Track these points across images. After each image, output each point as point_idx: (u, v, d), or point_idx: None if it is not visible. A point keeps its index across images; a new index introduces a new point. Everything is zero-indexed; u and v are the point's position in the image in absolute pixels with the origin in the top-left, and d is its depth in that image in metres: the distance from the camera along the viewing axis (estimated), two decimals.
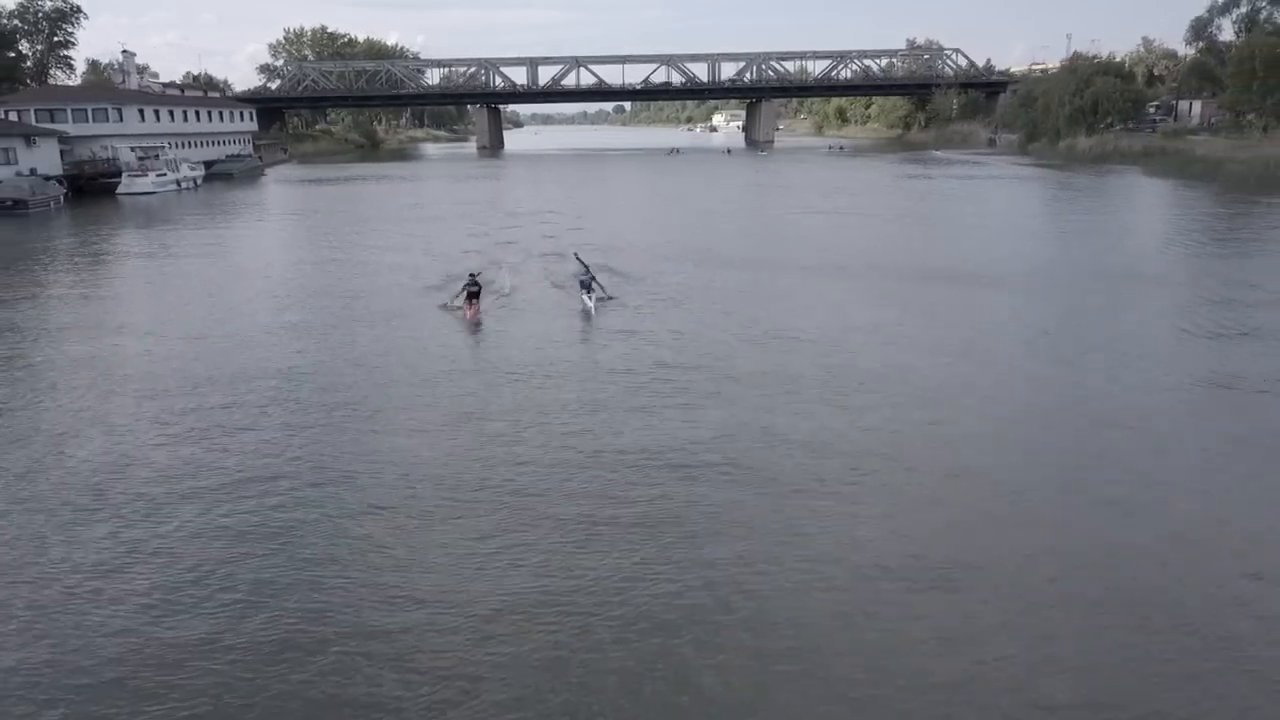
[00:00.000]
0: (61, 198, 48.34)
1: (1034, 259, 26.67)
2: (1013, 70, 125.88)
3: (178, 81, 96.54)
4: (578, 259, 23.04)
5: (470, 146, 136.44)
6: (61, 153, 54.76)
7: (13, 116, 55.47)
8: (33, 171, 49.27)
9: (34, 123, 55.72)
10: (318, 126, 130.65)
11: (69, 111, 58.78)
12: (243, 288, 24.73)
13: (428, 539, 9.41)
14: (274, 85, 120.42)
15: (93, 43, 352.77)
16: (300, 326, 19.44)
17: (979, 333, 18.01)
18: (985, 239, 32.07)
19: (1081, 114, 77.09)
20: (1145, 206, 41.39)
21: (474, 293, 19.96)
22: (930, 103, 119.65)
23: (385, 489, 10.69)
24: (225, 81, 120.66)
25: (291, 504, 10.27)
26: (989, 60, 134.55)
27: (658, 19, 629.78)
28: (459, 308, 19.86)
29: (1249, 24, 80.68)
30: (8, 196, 44.20)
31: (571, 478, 10.88)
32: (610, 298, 20.70)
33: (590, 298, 19.88)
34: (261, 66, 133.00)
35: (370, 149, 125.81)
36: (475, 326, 18.97)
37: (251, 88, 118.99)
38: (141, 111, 63.90)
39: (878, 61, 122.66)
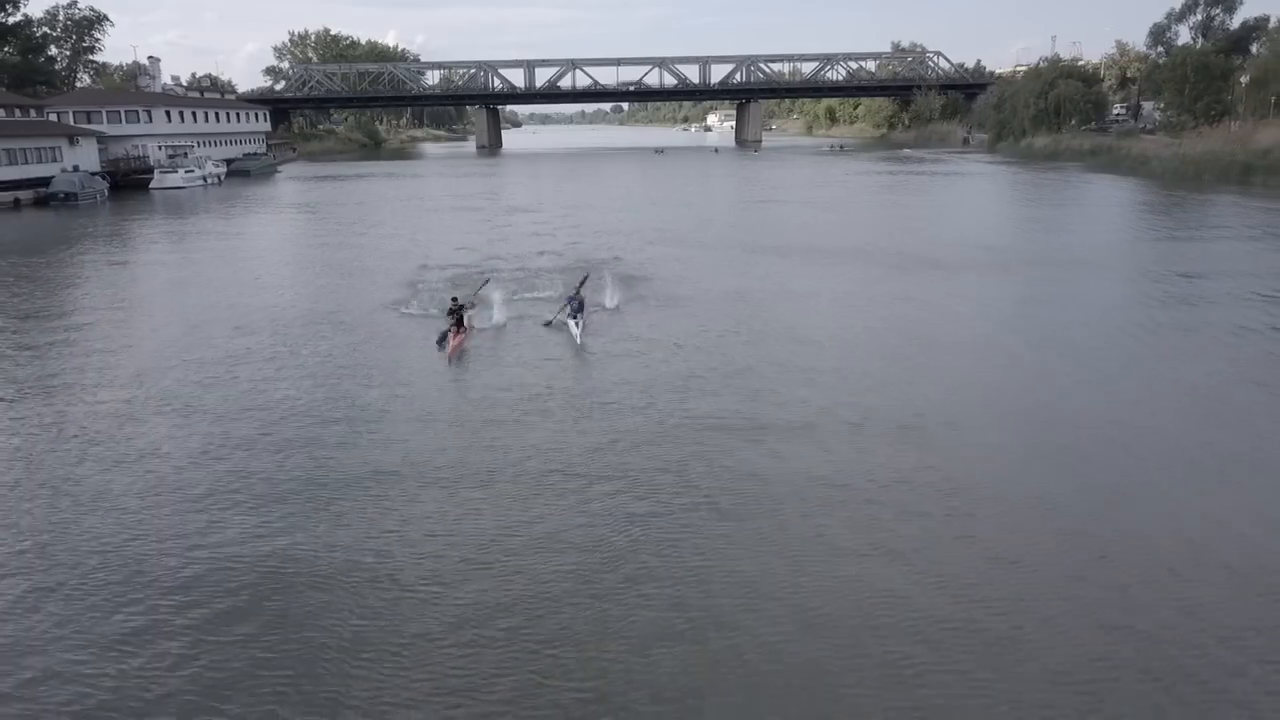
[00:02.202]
0: (105, 191, 53.72)
1: (943, 241, 32.01)
2: (999, 72, 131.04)
3: (184, 82, 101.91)
4: (577, 288, 20.28)
5: (469, 145, 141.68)
6: (98, 150, 60.01)
7: (52, 118, 60.60)
8: (75, 168, 54.48)
9: (72, 123, 60.92)
10: (321, 126, 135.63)
11: (104, 113, 64.33)
12: (264, 273, 28.42)
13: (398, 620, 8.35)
14: (279, 86, 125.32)
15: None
16: (291, 343, 18.44)
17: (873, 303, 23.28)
18: (912, 226, 37.56)
19: (1045, 115, 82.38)
20: (1060, 196, 47.31)
21: (458, 319, 17.96)
22: (913, 104, 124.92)
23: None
24: (229, 81, 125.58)
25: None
26: (979, 61, 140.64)
27: (657, 17, 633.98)
28: (444, 336, 17.71)
29: (1204, 30, 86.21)
30: (61, 190, 50.03)
31: (559, 542, 9.67)
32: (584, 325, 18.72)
33: (578, 324, 18.33)
34: (268, 69, 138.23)
35: (373, 148, 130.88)
36: (458, 358, 16.93)
37: (255, 88, 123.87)
38: (168, 113, 69.27)
39: (863, 63, 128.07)
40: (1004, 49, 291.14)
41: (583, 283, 20.98)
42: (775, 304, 21.48)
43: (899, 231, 34.72)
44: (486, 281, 21.60)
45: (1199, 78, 61.07)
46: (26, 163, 51.86)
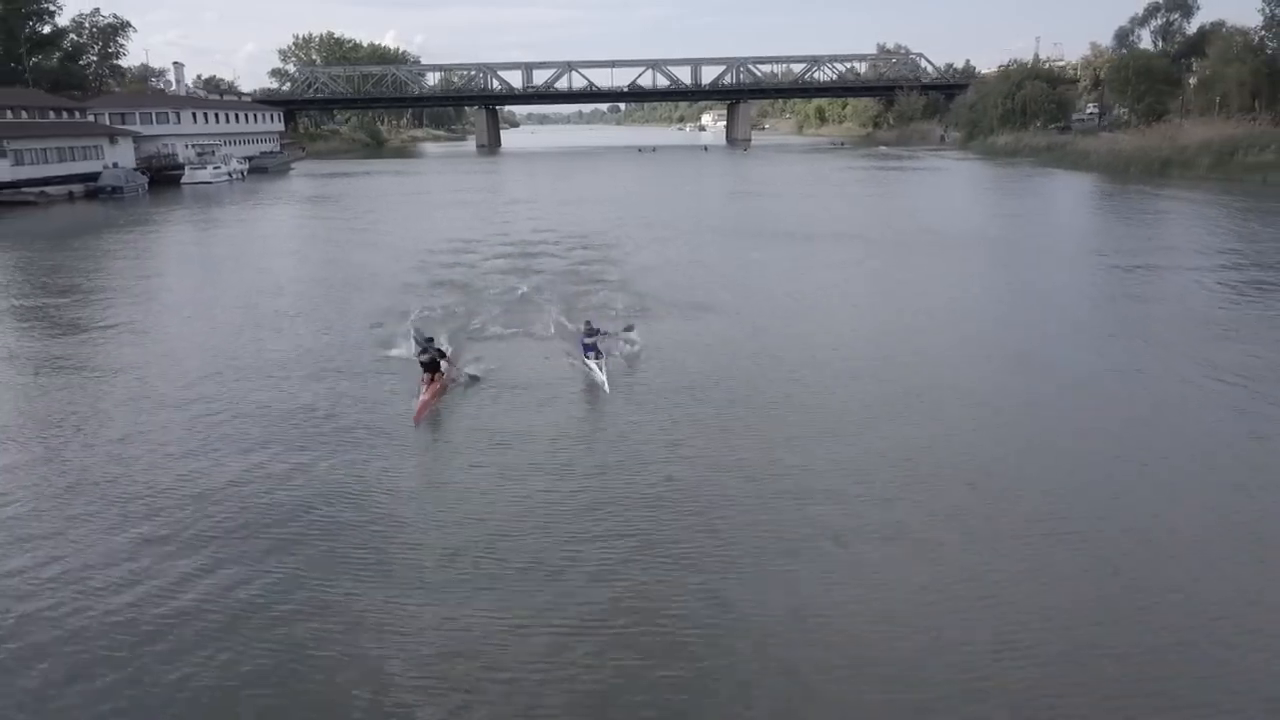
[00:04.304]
0: (146, 185, 59.37)
1: (871, 221, 37.61)
2: (985, 72, 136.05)
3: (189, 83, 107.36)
4: (587, 321, 16.70)
5: (469, 145, 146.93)
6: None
7: (89, 119, 66.12)
8: (115, 165, 60.15)
9: (108, 124, 66.49)
10: (326, 127, 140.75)
11: (137, 114, 70.02)
12: (284, 260, 31.78)
13: None
14: (285, 88, 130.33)
15: None
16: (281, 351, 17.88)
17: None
18: (861, 213, 43.35)
19: (1012, 114, 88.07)
20: (997, 186, 54.13)
21: (430, 363, 14.42)
22: (896, 104, 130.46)
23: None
24: (232, 82, 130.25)
25: None
26: (968, 61, 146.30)
27: (657, 17, 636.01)
28: (421, 383, 14.32)
29: (1163, 34, 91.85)
30: (109, 184, 56.04)
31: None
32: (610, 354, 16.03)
33: (601, 366, 15.30)
34: (273, 70, 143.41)
35: (375, 147, 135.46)
36: (429, 419, 13.49)
37: (259, 89, 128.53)
38: (194, 114, 75.06)
39: (848, 65, 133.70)
40: (1002, 48, 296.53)
41: (589, 323, 16.59)
42: (770, 300, 22.00)
43: (848, 218, 40.39)
44: (472, 377, 15.52)
45: (1140, 80, 66.70)
46: (74, 160, 57.80)
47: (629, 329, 17.38)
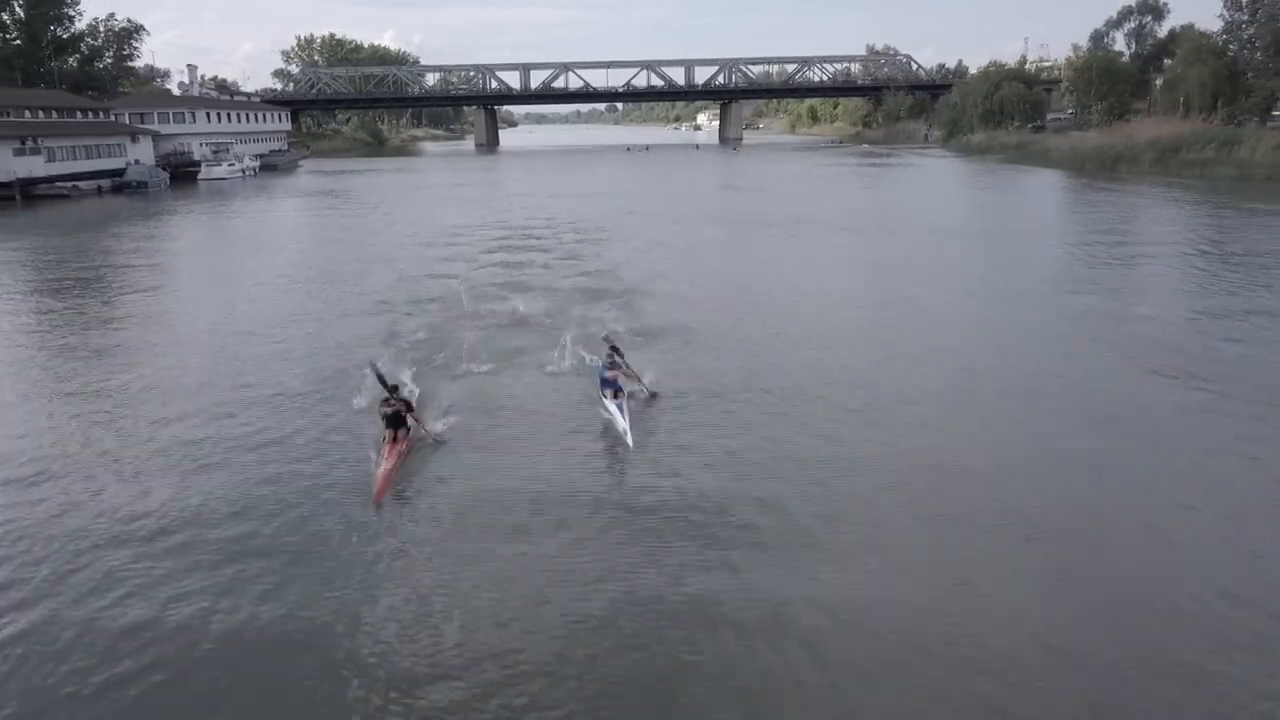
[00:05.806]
0: (167, 181, 63.31)
1: (839, 211, 41.51)
2: (974, 72, 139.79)
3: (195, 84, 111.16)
4: (610, 346, 14.21)
5: (468, 144, 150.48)
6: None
7: (111, 118, 69.93)
8: (137, 162, 64.17)
9: (128, 123, 70.34)
10: (328, 126, 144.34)
11: (155, 114, 73.97)
12: (298, 246, 37.21)
13: None
14: (288, 88, 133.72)
15: None
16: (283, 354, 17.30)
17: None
18: (821, 200, 47.36)
19: (990, 114, 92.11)
20: (960, 180, 58.57)
21: (394, 416, 11.87)
22: (883, 103, 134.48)
23: None
24: (234, 83, 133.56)
25: None
26: (960, 61, 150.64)
27: (657, 17, 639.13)
28: (382, 441, 11.75)
29: (1136, 37, 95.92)
30: (134, 179, 60.32)
31: None
32: (654, 394, 13.62)
33: (623, 407, 12.57)
34: (276, 71, 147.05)
35: (376, 146, 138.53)
36: (394, 491, 10.85)
37: (263, 89, 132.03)
38: (208, 114, 78.99)
39: (840, 66, 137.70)
40: (997, 49, 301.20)
41: (612, 350, 14.00)
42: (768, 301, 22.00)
43: (810, 207, 44.42)
44: (437, 441, 12.55)
45: (1102, 80, 70.68)
46: (100, 157, 62.07)
47: (653, 395, 13.77)
